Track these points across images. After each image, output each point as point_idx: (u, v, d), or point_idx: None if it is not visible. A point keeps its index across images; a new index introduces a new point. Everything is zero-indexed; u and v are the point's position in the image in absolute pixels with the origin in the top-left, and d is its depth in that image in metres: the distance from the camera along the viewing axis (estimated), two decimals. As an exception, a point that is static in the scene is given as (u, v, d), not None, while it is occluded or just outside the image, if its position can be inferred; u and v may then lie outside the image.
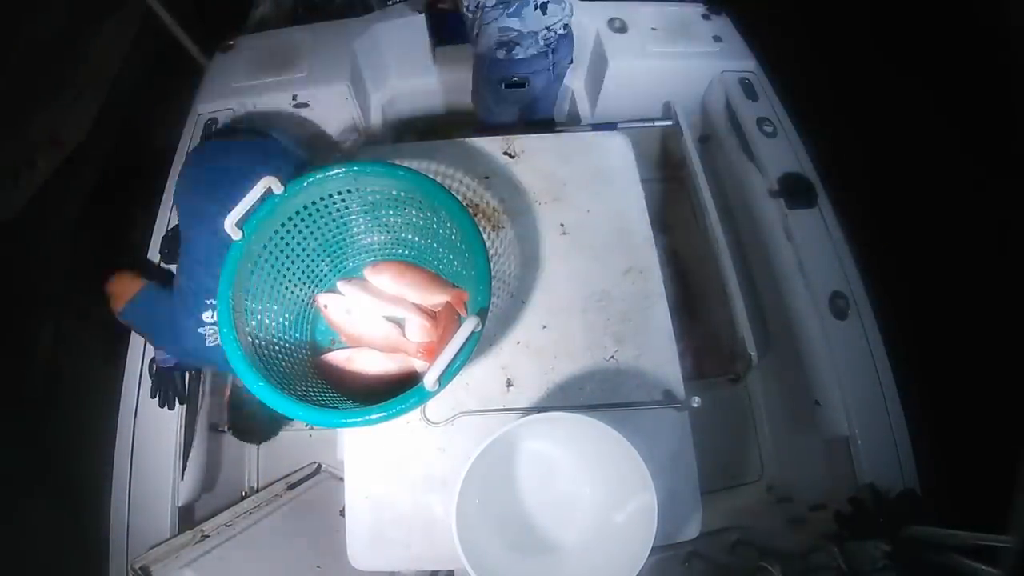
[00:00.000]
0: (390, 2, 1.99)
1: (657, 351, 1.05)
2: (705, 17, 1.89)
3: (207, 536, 1.22)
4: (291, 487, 1.50)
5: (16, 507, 1.88)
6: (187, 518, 1.31)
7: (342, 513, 1.00)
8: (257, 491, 1.54)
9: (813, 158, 1.62)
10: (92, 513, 1.27)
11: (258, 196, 0.85)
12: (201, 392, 1.42)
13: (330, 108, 1.82)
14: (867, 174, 2.21)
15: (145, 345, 1.37)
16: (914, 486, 1.19)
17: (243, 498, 1.45)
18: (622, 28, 1.83)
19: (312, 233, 0.97)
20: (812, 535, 1.20)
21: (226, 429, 1.44)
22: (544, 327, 1.07)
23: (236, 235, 0.84)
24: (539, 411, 0.87)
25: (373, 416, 0.75)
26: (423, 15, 1.89)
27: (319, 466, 1.61)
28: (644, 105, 1.89)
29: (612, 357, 1.05)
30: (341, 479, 1.17)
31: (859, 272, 1.43)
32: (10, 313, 2.17)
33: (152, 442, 1.30)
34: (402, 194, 0.93)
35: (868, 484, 1.19)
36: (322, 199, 0.93)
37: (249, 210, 0.85)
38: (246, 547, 1.25)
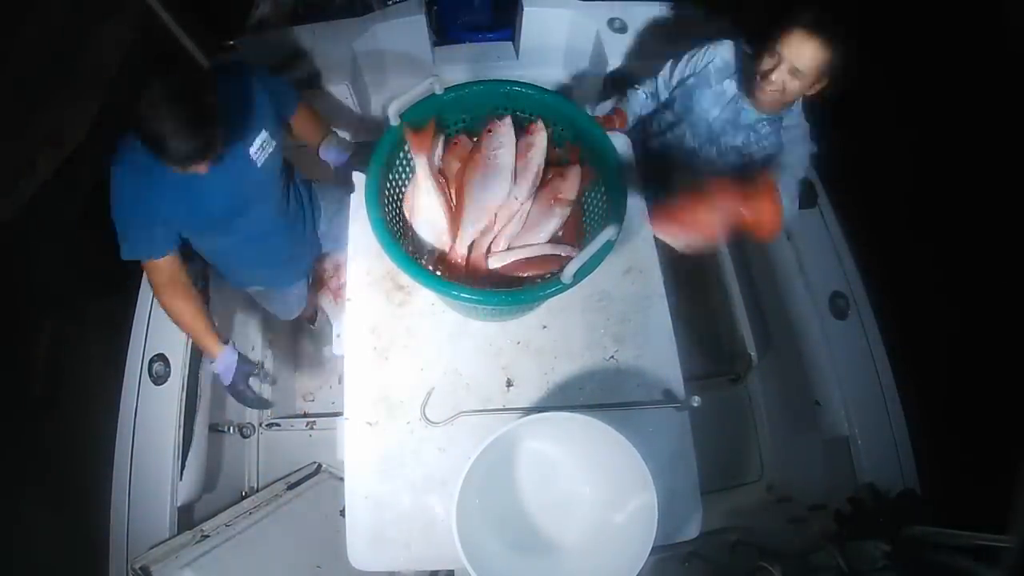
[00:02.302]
0: (390, 2, 1.99)
1: (657, 351, 1.05)
2: (705, 17, 1.89)
3: (207, 536, 1.22)
4: (291, 487, 1.50)
5: (16, 507, 1.88)
6: (187, 518, 1.31)
7: (342, 513, 1.00)
8: (257, 491, 1.54)
9: (813, 158, 1.62)
10: (92, 513, 1.27)
11: (421, 92, 0.92)
12: (200, 392, 1.42)
13: (330, 108, 1.82)
14: (867, 174, 2.21)
15: (145, 345, 1.37)
16: (914, 486, 1.20)
17: (243, 498, 1.45)
18: (622, 28, 1.83)
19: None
20: (812, 535, 1.20)
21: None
22: (544, 327, 1.07)
23: (395, 121, 0.92)
24: (539, 411, 0.87)
25: (502, 298, 0.83)
26: (423, 15, 1.90)
27: (319, 466, 1.61)
28: (644, 105, 1.89)
29: (612, 357, 1.05)
30: (341, 479, 1.17)
31: (859, 272, 1.43)
32: (10, 313, 2.17)
33: (152, 442, 1.30)
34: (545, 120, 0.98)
35: (868, 484, 1.19)
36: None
37: (410, 102, 0.92)
38: (246, 547, 1.25)
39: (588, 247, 0.78)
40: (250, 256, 1.32)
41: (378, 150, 0.92)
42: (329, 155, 1.38)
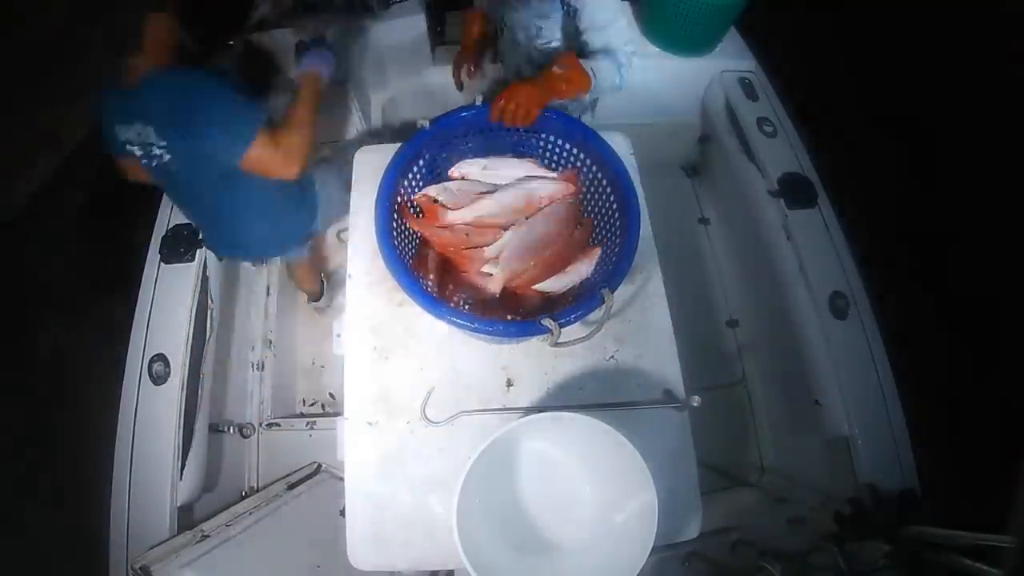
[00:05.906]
0: (390, 2, 1.99)
1: (657, 351, 1.05)
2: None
3: (207, 536, 1.22)
4: (291, 487, 1.50)
5: (16, 507, 1.88)
6: (187, 518, 1.31)
7: (342, 513, 1.00)
8: (257, 491, 1.54)
9: (813, 158, 1.62)
10: (92, 513, 1.27)
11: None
12: (200, 392, 1.42)
13: (330, 108, 1.82)
14: (867, 174, 2.21)
15: (145, 345, 1.37)
16: (914, 486, 1.19)
17: (243, 498, 1.45)
18: (622, 28, 1.83)
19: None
20: (812, 535, 1.19)
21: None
22: (544, 327, 1.06)
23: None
24: (539, 411, 0.87)
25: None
26: (423, 15, 1.89)
27: (319, 466, 1.61)
28: (644, 105, 1.89)
29: (612, 357, 1.05)
30: (341, 479, 1.17)
31: (859, 272, 1.43)
32: (11, 313, 2.17)
33: (152, 442, 1.30)
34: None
35: (868, 484, 1.19)
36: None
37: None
38: (246, 547, 1.25)
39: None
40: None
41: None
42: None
